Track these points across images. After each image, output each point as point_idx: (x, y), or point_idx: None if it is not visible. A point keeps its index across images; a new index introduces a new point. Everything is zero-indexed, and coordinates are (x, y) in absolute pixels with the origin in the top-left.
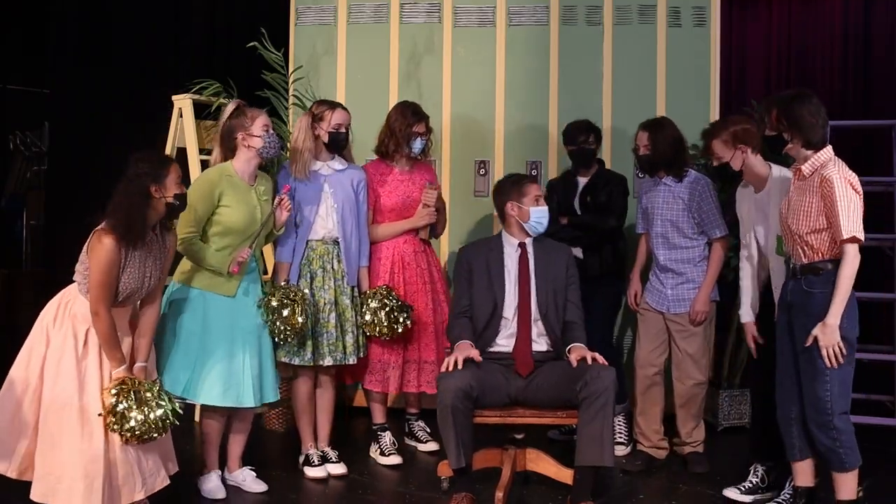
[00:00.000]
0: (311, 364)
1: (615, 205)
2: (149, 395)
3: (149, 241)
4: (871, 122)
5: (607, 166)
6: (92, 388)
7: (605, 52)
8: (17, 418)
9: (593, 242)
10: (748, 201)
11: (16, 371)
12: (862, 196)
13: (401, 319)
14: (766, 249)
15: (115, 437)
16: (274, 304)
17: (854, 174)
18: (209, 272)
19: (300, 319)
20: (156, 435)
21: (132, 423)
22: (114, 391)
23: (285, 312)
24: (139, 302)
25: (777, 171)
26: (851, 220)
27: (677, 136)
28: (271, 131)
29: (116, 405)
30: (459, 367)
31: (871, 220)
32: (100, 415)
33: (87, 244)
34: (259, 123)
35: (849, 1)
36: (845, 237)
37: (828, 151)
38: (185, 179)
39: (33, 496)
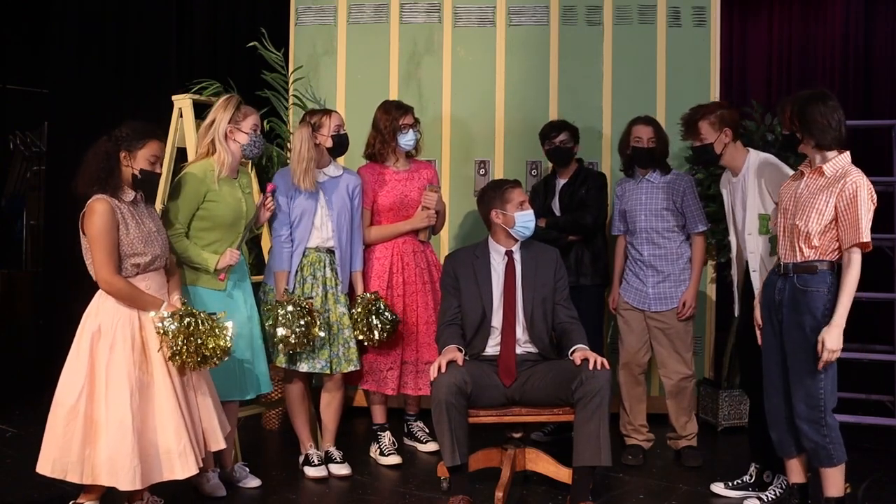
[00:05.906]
0: (312, 371)
1: (591, 199)
2: (205, 324)
3: (137, 203)
4: (871, 122)
5: (607, 167)
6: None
7: (605, 52)
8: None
9: (571, 244)
10: (727, 187)
11: (63, 389)
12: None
13: (381, 327)
14: (742, 232)
15: (156, 411)
16: (288, 316)
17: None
18: (195, 269)
19: (321, 334)
20: (216, 361)
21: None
22: (167, 314)
23: (302, 322)
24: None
25: (755, 155)
26: (867, 227)
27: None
28: (259, 133)
29: (176, 327)
30: (443, 370)
31: (872, 220)
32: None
33: (80, 224)
34: (250, 122)
35: (849, 1)
36: (863, 240)
37: (847, 155)
38: None
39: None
